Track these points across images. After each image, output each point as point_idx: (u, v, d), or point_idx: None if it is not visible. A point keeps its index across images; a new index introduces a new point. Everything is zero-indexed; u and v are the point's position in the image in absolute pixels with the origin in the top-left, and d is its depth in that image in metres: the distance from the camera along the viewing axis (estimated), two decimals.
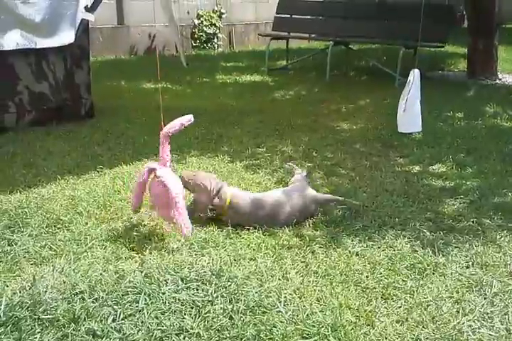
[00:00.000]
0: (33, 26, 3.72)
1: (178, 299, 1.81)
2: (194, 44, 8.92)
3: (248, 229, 2.36)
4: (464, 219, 2.50)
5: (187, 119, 2.34)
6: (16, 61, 3.80)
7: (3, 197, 2.65)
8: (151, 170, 2.22)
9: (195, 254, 2.14)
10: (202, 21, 8.89)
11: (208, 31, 8.93)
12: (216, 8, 9.12)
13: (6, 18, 3.57)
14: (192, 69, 6.49)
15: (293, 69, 7.26)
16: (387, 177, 3.03)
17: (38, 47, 3.77)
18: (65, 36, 3.90)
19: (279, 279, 1.98)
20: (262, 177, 3.06)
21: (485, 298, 1.88)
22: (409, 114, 3.79)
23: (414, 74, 3.79)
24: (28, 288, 1.85)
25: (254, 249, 2.20)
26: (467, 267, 2.09)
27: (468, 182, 2.97)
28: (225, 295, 1.84)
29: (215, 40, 9.11)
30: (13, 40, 3.64)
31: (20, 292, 1.83)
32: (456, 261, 2.13)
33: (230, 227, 2.37)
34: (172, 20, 6.18)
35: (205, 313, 1.75)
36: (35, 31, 3.74)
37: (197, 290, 1.87)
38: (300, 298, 1.86)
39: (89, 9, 3.99)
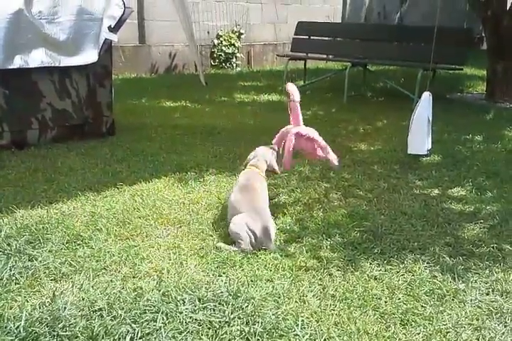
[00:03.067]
0: (58, 45, 3.81)
1: (195, 319, 1.81)
2: (213, 63, 9.06)
3: (265, 250, 2.36)
4: (483, 245, 2.48)
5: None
6: (40, 78, 3.89)
7: (25, 212, 2.69)
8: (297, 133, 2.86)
9: (213, 274, 2.15)
10: (221, 41, 9.04)
11: (226, 51, 9.07)
12: (235, 29, 9.27)
13: (32, 37, 3.67)
14: (211, 88, 6.57)
15: (310, 89, 7.31)
16: (405, 200, 3.02)
17: (61, 65, 3.85)
18: (89, 55, 3.99)
19: (296, 302, 1.97)
20: (280, 197, 3.07)
21: (505, 326, 1.86)
22: (414, 135, 3.78)
23: (423, 97, 3.80)
24: (47, 304, 1.87)
25: (271, 270, 2.20)
26: (487, 294, 2.06)
27: (488, 207, 2.95)
28: (241, 317, 1.84)
29: (234, 60, 9.24)
30: (38, 58, 3.74)
31: (40, 307, 1.85)
32: (476, 288, 2.10)
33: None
34: (192, 40, 6.32)
35: (222, 334, 1.75)
36: (60, 50, 3.84)
37: (214, 310, 1.87)
38: (317, 322, 1.84)
39: (113, 29, 4.09)
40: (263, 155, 2.87)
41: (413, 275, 2.17)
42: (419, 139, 3.76)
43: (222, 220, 2.66)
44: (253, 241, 2.36)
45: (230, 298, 1.94)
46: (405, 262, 2.28)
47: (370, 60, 6.89)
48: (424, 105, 3.76)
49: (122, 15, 4.09)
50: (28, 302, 1.90)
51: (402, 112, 5.54)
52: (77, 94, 4.09)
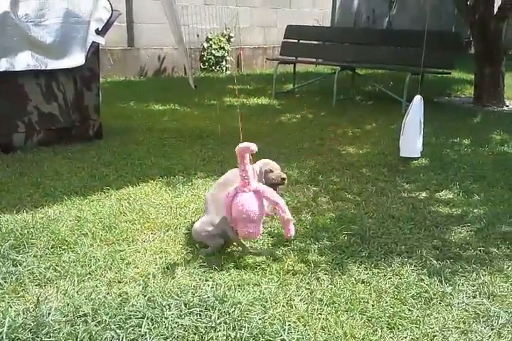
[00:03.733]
0: (44, 48, 3.79)
1: (181, 324, 1.79)
2: (203, 66, 9.05)
3: (253, 254, 2.35)
4: (470, 248, 2.48)
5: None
6: (26, 82, 3.86)
7: (10, 217, 2.65)
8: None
9: (199, 279, 2.13)
10: (211, 44, 9.04)
11: (216, 54, 9.07)
12: (225, 32, 9.28)
13: (19, 40, 3.64)
14: (200, 92, 6.56)
15: (300, 92, 7.33)
16: (393, 203, 3.02)
17: (48, 68, 3.82)
18: (75, 58, 3.96)
19: (283, 306, 1.95)
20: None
21: (492, 329, 1.86)
22: (407, 138, 3.81)
23: (414, 100, 3.83)
24: (31, 310, 1.84)
25: (258, 274, 2.19)
26: (474, 297, 2.06)
27: (475, 210, 2.96)
28: (228, 322, 1.82)
29: (224, 63, 9.24)
30: (24, 61, 3.71)
31: (23, 313, 1.82)
32: (463, 291, 2.10)
33: (234, 251, 2.36)
34: (181, 43, 6.31)
35: (208, 340, 1.73)
36: (46, 53, 3.81)
37: (200, 315, 1.85)
38: (304, 326, 1.83)
39: (100, 32, 4.06)
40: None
41: (400, 278, 2.17)
42: (412, 142, 3.79)
43: None
44: (221, 242, 2.35)
45: (217, 302, 1.92)
46: (393, 265, 2.28)
47: (359, 64, 6.93)
48: (416, 108, 3.78)
49: (110, 18, 4.07)
50: (11, 307, 1.87)
51: (390, 115, 5.58)
52: (64, 98, 4.06)
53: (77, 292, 1.98)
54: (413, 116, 3.77)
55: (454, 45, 6.21)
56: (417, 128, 3.77)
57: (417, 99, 3.80)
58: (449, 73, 6.51)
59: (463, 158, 4.01)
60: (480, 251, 2.45)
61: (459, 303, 2.01)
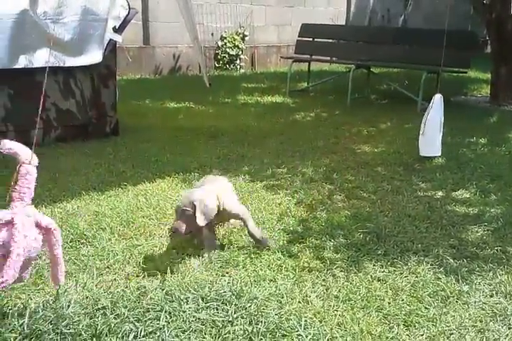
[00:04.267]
0: (62, 45, 3.83)
1: (199, 318, 1.81)
2: (217, 65, 9.08)
3: (269, 250, 2.36)
4: (487, 247, 2.47)
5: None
6: (44, 78, 3.90)
7: None
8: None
9: (216, 274, 2.15)
10: (225, 43, 9.06)
11: (230, 53, 9.09)
12: (239, 31, 9.29)
13: (37, 37, 3.69)
14: (214, 90, 6.58)
15: (314, 91, 7.32)
16: (409, 202, 3.01)
17: (66, 65, 3.87)
18: (93, 56, 4.00)
19: (299, 302, 1.96)
20: (283, 197, 3.07)
21: (509, 328, 1.85)
22: (428, 137, 3.79)
23: (435, 99, 3.80)
24: (51, 302, 1.87)
25: (274, 270, 2.20)
26: (491, 296, 2.05)
27: (492, 210, 2.94)
28: (245, 316, 1.83)
29: (238, 62, 9.26)
30: (43, 58, 3.75)
31: (43, 305, 1.85)
32: (480, 290, 2.09)
33: (250, 247, 2.37)
34: (196, 42, 6.33)
35: (225, 334, 1.74)
36: (64, 50, 3.85)
37: (217, 309, 1.87)
38: (320, 322, 1.84)
39: (117, 30, 4.11)
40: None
41: (417, 276, 2.17)
42: (433, 141, 3.77)
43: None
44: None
45: (233, 297, 1.93)
46: (409, 264, 2.27)
47: (374, 63, 6.89)
48: (436, 108, 3.76)
49: (127, 16, 4.11)
50: (31, 299, 1.91)
51: (405, 114, 5.55)
52: (82, 94, 4.11)
53: (95, 285, 2.01)
54: (434, 115, 3.75)
55: (470, 44, 6.16)
56: (438, 127, 3.75)
57: (438, 98, 3.78)
58: (466, 72, 6.47)
59: (479, 157, 3.98)
60: (497, 250, 2.43)
61: (475, 302, 2.01)
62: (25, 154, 1.74)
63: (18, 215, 1.67)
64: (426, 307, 1.95)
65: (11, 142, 1.71)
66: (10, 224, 1.63)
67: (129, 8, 4.10)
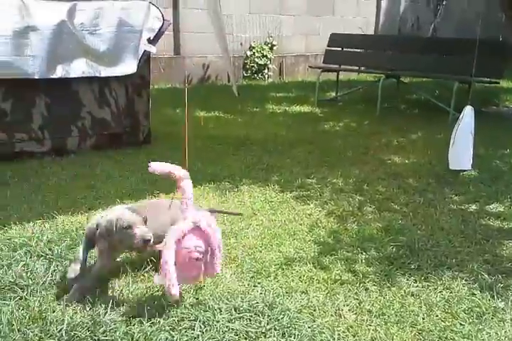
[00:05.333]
0: (98, 56, 3.93)
1: (232, 328, 1.83)
2: (245, 74, 9.15)
3: (300, 261, 2.36)
4: None
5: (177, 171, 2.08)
6: (80, 88, 4.02)
7: (65, 218, 2.77)
8: None
9: (248, 284, 2.16)
10: (254, 53, 9.14)
11: (259, 62, 9.16)
12: (268, 40, 9.36)
13: (74, 48, 3.80)
14: (243, 99, 6.64)
15: (342, 101, 7.31)
16: (442, 215, 2.98)
17: (102, 75, 3.97)
18: (128, 66, 4.09)
19: (331, 315, 1.96)
20: (313, 208, 3.07)
21: None
22: (458, 150, 3.74)
23: (466, 111, 3.76)
24: (88, 309, 1.91)
25: (305, 282, 2.20)
26: None
27: None
28: (277, 328, 1.84)
29: (266, 71, 9.32)
30: (79, 68, 3.86)
31: (80, 312, 1.89)
32: None
33: (281, 258, 2.38)
34: (226, 52, 6.41)
35: None
36: (100, 60, 3.95)
37: (250, 320, 1.88)
38: (354, 337, 1.83)
39: (152, 41, 4.19)
40: None
41: (451, 292, 2.14)
42: (463, 154, 3.72)
43: (255, 230, 2.70)
44: None
45: (266, 308, 1.95)
46: (443, 279, 2.24)
47: (404, 72, 6.84)
48: (467, 120, 3.72)
49: (161, 27, 4.19)
50: (69, 306, 1.95)
51: (436, 125, 5.49)
52: (116, 104, 4.20)
53: (131, 292, 2.04)
54: (464, 127, 3.70)
55: (502, 53, 6.06)
56: (468, 140, 3.69)
57: (468, 110, 3.73)
58: (498, 82, 6.36)
59: None
60: None
61: (511, 319, 1.97)
62: (177, 170, 2.08)
63: (203, 218, 1.94)
64: (461, 324, 1.93)
65: (158, 164, 2.04)
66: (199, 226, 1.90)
67: (163, 19, 4.18)
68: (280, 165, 3.98)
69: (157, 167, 2.02)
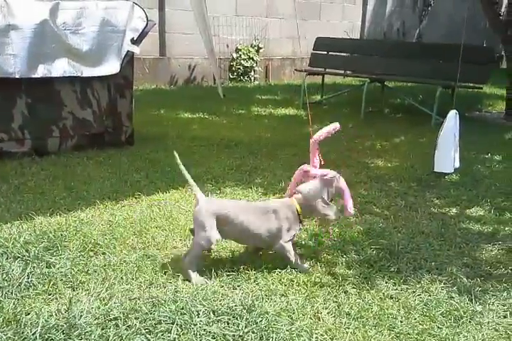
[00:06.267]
0: (80, 55, 3.89)
1: (209, 332, 1.81)
2: (231, 76, 9.15)
3: (280, 264, 2.35)
4: (502, 266, 2.44)
5: (334, 127, 2.60)
6: (62, 88, 3.97)
7: (44, 219, 2.72)
8: (305, 172, 2.53)
9: (227, 287, 2.15)
10: (240, 55, 9.14)
11: (245, 64, 9.17)
12: (254, 43, 9.38)
13: (56, 47, 3.75)
14: (228, 101, 6.63)
15: (327, 104, 7.34)
16: (423, 219, 3.00)
17: (84, 75, 3.92)
18: (111, 66, 4.05)
19: (310, 318, 1.95)
20: None
21: None
22: (441, 153, 3.77)
23: (449, 115, 3.79)
24: (63, 311, 1.88)
25: (285, 285, 2.19)
26: (505, 316, 2.03)
27: (506, 228, 2.91)
28: (255, 331, 1.83)
29: (252, 73, 9.33)
30: (61, 67, 3.81)
31: (56, 315, 1.86)
32: (494, 310, 2.06)
33: (261, 261, 2.37)
34: (212, 53, 6.40)
35: None
36: (82, 60, 3.91)
37: (228, 323, 1.86)
38: (332, 339, 1.83)
39: (135, 42, 4.16)
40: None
41: (430, 295, 2.15)
42: (445, 157, 3.75)
43: None
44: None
45: (244, 311, 1.93)
46: (422, 282, 2.25)
47: (389, 77, 6.90)
48: (451, 123, 3.75)
49: (145, 27, 4.16)
50: (44, 309, 1.92)
51: (420, 129, 5.54)
52: (98, 104, 4.16)
53: (108, 295, 2.01)
54: (447, 131, 3.74)
55: (486, 59, 6.14)
56: (451, 143, 3.73)
57: (452, 114, 3.77)
58: (481, 88, 6.44)
59: (494, 174, 3.95)
60: (511, 270, 2.40)
61: (489, 322, 1.98)
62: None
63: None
64: (439, 327, 1.93)
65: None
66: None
67: (147, 20, 4.15)
68: (264, 167, 3.97)
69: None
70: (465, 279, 2.29)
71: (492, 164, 4.26)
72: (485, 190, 3.55)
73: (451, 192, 3.49)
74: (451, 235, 2.77)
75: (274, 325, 1.87)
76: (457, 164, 3.82)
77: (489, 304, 2.10)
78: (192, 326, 1.82)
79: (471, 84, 6.14)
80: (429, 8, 12.76)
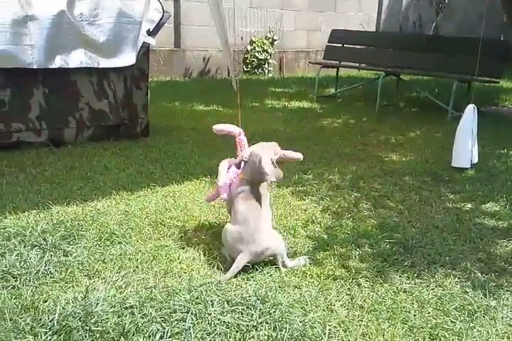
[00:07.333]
0: (97, 46, 3.91)
1: (224, 321, 1.83)
2: (245, 69, 9.13)
3: (293, 256, 2.36)
4: None
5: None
6: (78, 79, 4.00)
7: (60, 209, 2.76)
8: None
9: (241, 278, 2.16)
10: (254, 47, 9.11)
11: (259, 57, 9.14)
12: (269, 35, 9.33)
13: (73, 38, 3.77)
14: (242, 94, 6.59)
15: (342, 97, 7.30)
16: (437, 213, 2.98)
17: (100, 66, 3.95)
18: (127, 58, 4.07)
19: (323, 310, 1.96)
20: (308, 204, 3.07)
21: None
22: (459, 148, 3.75)
23: (467, 110, 3.76)
24: (80, 299, 1.91)
25: (299, 277, 2.21)
26: None
27: None
28: (269, 322, 1.84)
29: (266, 66, 9.30)
30: (78, 58, 3.84)
31: (73, 302, 1.89)
32: (508, 305, 2.06)
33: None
34: (226, 45, 6.38)
35: (250, 338, 1.76)
36: (99, 51, 3.93)
37: (242, 313, 1.88)
38: (345, 332, 1.84)
39: (151, 33, 4.17)
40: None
41: (443, 289, 2.15)
42: (463, 152, 3.72)
43: None
44: None
45: (258, 302, 1.94)
46: (436, 276, 2.25)
47: (404, 70, 6.83)
48: (468, 118, 3.72)
49: (161, 19, 4.17)
50: (61, 296, 1.95)
51: (435, 123, 5.49)
52: (114, 96, 4.19)
53: (124, 284, 2.04)
54: (465, 125, 3.71)
55: (503, 53, 6.05)
56: (469, 138, 3.70)
57: (470, 109, 3.73)
58: (498, 82, 6.35)
59: (510, 169, 3.90)
60: None
61: (503, 318, 1.98)
62: (235, 129, 2.55)
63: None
64: (452, 321, 1.93)
65: (219, 125, 2.52)
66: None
67: (163, 11, 4.16)
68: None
69: (217, 128, 2.51)
70: (479, 274, 2.28)
71: (508, 159, 4.21)
72: (500, 185, 3.52)
73: (466, 187, 3.46)
74: (465, 230, 2.76)
75: (287, 316, 1.88)
76: (476, 159, 3.78)
77: (503, 299, 2.10)
78: (206, 315, 1.84)
79: (488, 78, 6.05)
80: (446, 1, 12.57)
